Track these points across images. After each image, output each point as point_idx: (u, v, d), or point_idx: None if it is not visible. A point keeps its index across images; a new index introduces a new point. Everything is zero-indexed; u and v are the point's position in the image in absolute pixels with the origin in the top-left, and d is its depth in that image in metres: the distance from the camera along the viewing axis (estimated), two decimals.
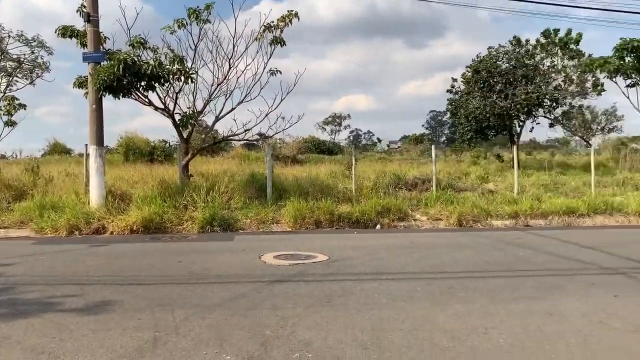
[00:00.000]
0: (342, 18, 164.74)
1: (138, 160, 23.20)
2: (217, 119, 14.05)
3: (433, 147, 15.98)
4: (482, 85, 28.14)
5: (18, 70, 22.22)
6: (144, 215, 11.04)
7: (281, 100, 13.63)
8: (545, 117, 30.60)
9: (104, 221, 11.12)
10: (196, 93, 13.80)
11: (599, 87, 28.12)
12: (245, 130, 13.83)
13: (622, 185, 17.36)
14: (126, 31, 13.13)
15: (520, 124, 29.51)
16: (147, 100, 13.51)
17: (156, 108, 13.66)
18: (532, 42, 30.06)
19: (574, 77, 30.52)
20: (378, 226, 11.85)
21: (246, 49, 13.67)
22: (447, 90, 31.39)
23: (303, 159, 29.91)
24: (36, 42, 22.13)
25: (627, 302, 5.60)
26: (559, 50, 30.21)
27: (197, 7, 13.19)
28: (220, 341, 4.44)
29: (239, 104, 13.84)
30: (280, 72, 13.61)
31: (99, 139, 12.45)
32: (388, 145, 76.70)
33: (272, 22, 13.52)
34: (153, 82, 12.81)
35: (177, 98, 13.50)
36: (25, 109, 16.14)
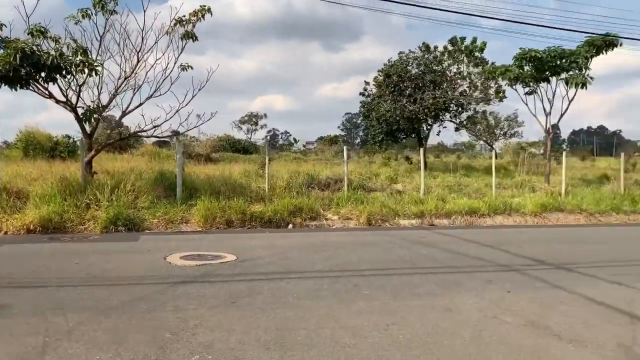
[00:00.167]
0: (259, 17, 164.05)
1: (39, 156, 21.76)
2: (124, 114, 13.46)
3: (345, 148, 16.27)
4: (392, 89, 29.06)
5: None
6: (42, 215, 10.42)
7: (192, 96, 13.37)
8: (451, 121, 32.16)
9: None
10: (101, 86, 13.18)
11: (500, 94, 29.91)
12: (155, 127, 13.37)
13: (521, 187, 18.53)
14: (25, 19, 12.34)
15: (428, 127, 30.71)
16: (47, 92, 12.75)
17: (57, 101, 12.89)
18: (440, 49, 31.55)
19: (478, 84, 32.40)
20: (290, 226, 11.89)
21: (156, 42, 13.29)
22: (360, 93, 32.21)
23: (217, 158, 29.38)
24: None
25: (519, 298, 6.00)
26: (465, 58, 31.92)
27: None
28: (116, 345, 4.26)
29: (147, 98, 13.36)
30: (192, 68, 13.38)
31: None
32: (304, 146, 77.18)
33: (184, 16, 13.21)
34: (54, 74, 12.16)
35: (80, 91, 12.83)
36: None
